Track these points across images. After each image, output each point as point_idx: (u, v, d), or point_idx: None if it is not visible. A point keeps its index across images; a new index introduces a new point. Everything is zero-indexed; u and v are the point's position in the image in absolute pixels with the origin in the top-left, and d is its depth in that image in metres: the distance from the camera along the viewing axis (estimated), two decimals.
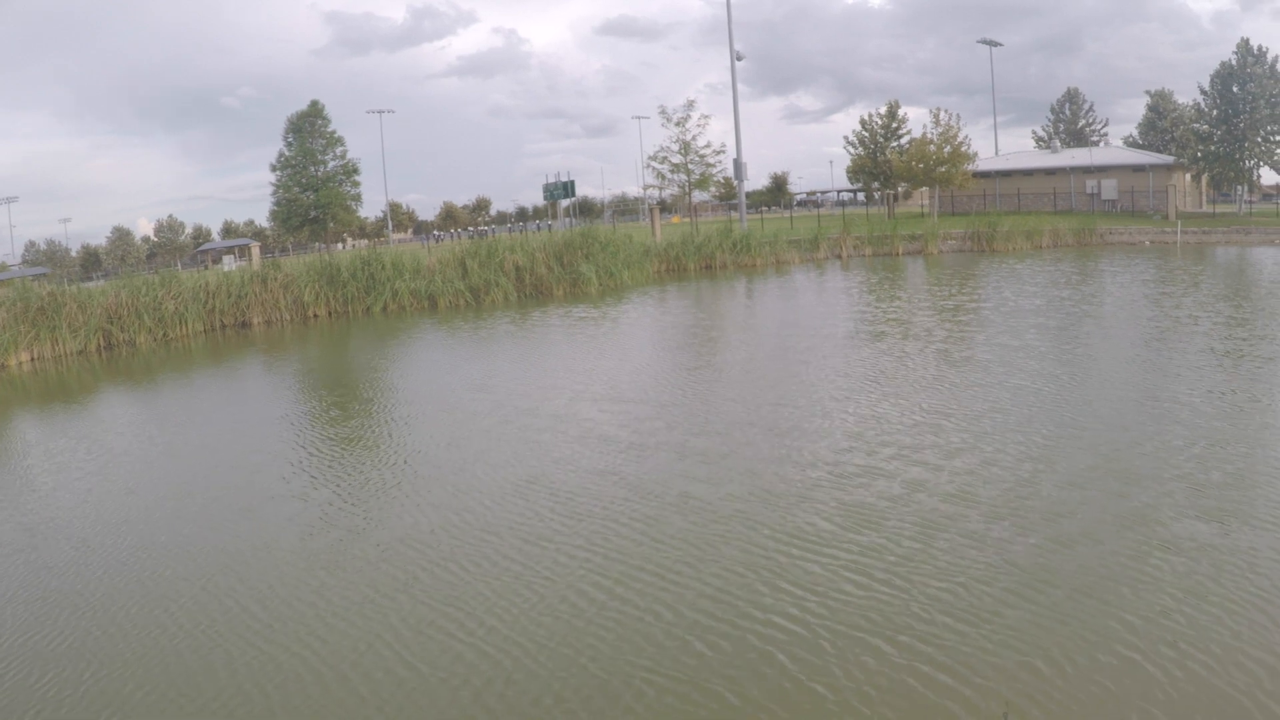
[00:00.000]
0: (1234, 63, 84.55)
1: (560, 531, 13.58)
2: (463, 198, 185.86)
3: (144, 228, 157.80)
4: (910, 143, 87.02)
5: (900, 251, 61.82)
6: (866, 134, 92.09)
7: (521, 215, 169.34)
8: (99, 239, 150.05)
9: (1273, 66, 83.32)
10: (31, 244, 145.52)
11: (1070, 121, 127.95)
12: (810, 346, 28.26)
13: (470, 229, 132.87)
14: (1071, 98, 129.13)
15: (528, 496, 15.45)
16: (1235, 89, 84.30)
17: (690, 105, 75.22)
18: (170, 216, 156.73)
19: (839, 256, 62.30)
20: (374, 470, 18.33)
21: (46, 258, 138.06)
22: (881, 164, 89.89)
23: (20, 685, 10.36)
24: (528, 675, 9.56)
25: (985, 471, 14.81)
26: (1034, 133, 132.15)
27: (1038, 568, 11.05)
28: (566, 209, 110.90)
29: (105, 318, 47.09)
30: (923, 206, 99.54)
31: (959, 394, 20.61)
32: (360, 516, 15.32)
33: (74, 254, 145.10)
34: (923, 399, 20.36)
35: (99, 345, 45.93)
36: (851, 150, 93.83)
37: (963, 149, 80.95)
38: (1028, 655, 9.13)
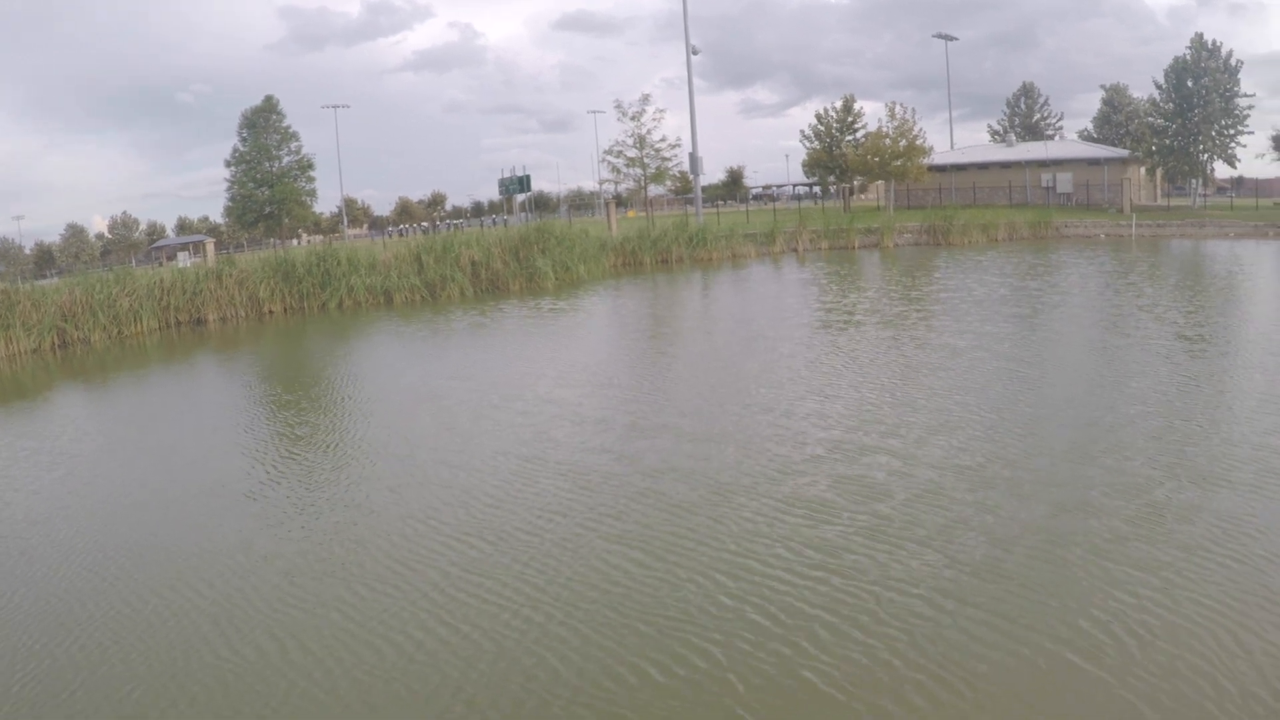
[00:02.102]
0: (1188, 57, 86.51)
1: (572, 505, 14.65)
2: (419, 193, 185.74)
3: (98, 225, 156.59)
4: (866, 137, 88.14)
5: (856, 245, 63.03)
6: (822, 128, 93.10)
7: (478, 210, 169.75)
8: (53, 236, 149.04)
9: (1226, 61, 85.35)
10: None
11: (1026, 115, 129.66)
12: (780, 335, 29.51)
13: (426, 224, 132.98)
14: (1027, 92, 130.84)
15: (530, 474, 16.57)
16: (1190, 83, 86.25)
17: (645, 99, 76.05)
18: (124, 213, 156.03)
19: (795, 250, 63.35)
20: (353, 460, 19.20)
21: None
22: (837, 158, 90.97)
23: None
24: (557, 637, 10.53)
25: (974, 445, 16.24)
26: (989, 127, 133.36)
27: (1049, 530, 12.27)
28: (523, 204, 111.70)
29: (60, 315, 47.34)
30: (878, 200, 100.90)
31: (935, 376, 22.10)
32: (351, 499, 16.19)
33: (28, 251, 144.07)
34: (902, 382, 21.82)
35: (53, 343, 46.25)
36: (808, 144, 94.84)
37: (918, 143, 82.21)
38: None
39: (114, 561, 14.09)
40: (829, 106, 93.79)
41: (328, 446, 20.64)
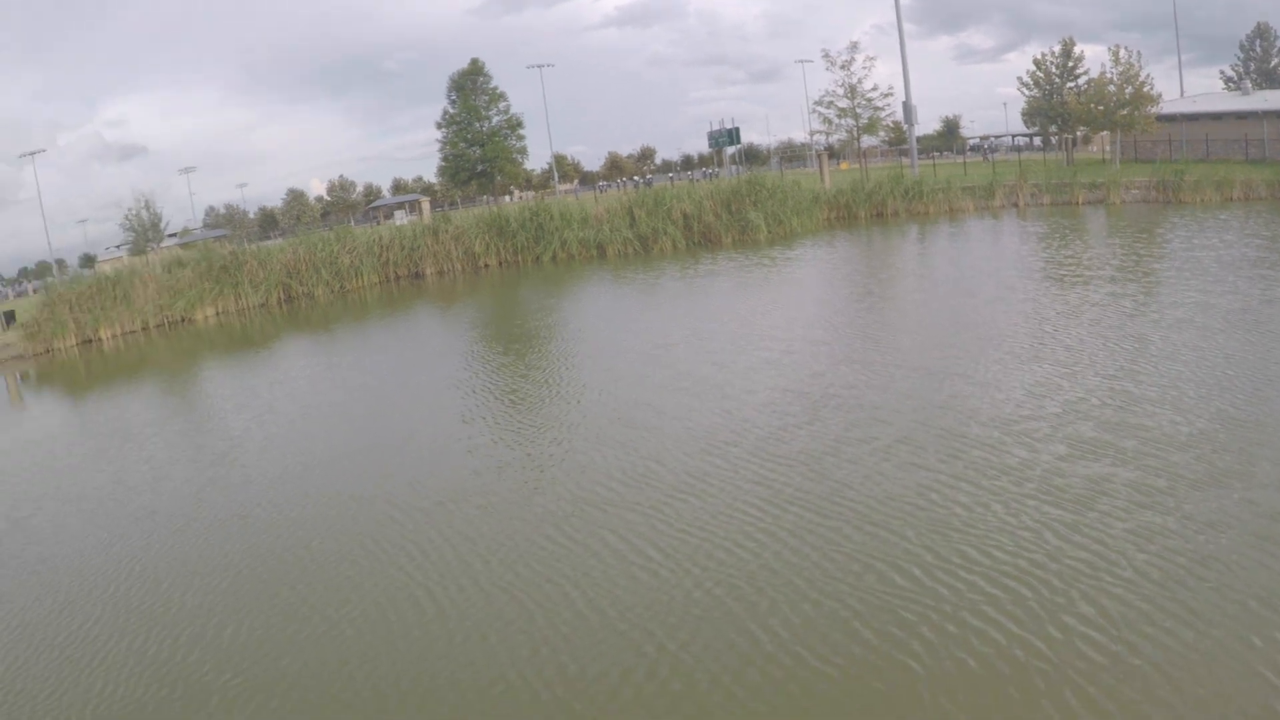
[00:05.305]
0: None
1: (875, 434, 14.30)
2: (627, 148, 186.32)
3: (316, 188, 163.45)
4: (1088, 83, 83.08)
5: (1080, 201, 59.43)
6: (1041, 74, 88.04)
7: (687, 164, 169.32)
8: (275, 201, 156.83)
9: None
10: (211, 209, 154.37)
11: (1262, 60, 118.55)
12: (1030, 291, 27.33)
13: (636, 179, 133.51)
14: (1262, 33, 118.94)
15: (805, 409, 16.30)
16: None
17: (854, 47, 73.19)
18: (341, 177, 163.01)
19: (1016, 205, 60.37)
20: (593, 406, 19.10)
21: (226, 221, 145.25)
22: (1058, 106, 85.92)
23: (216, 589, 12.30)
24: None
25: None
26: (1222, 73, 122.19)
27: None
28: (732, 157, 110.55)
29: (284, 273, 50.12)
30: (1103, 153, 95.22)
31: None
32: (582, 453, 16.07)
33: (251, 216, 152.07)
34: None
35: (279, 298, 48.82)
36: (1026, 92, 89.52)
37: (1145, 90, 76.93)
38: None
39: (342, 504, 14.86)
40: (1047, 51, 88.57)
41: (554, 395, 21.06)
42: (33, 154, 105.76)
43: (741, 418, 16.28)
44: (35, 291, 78.16)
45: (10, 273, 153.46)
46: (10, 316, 50.16)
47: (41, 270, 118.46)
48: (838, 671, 8.32)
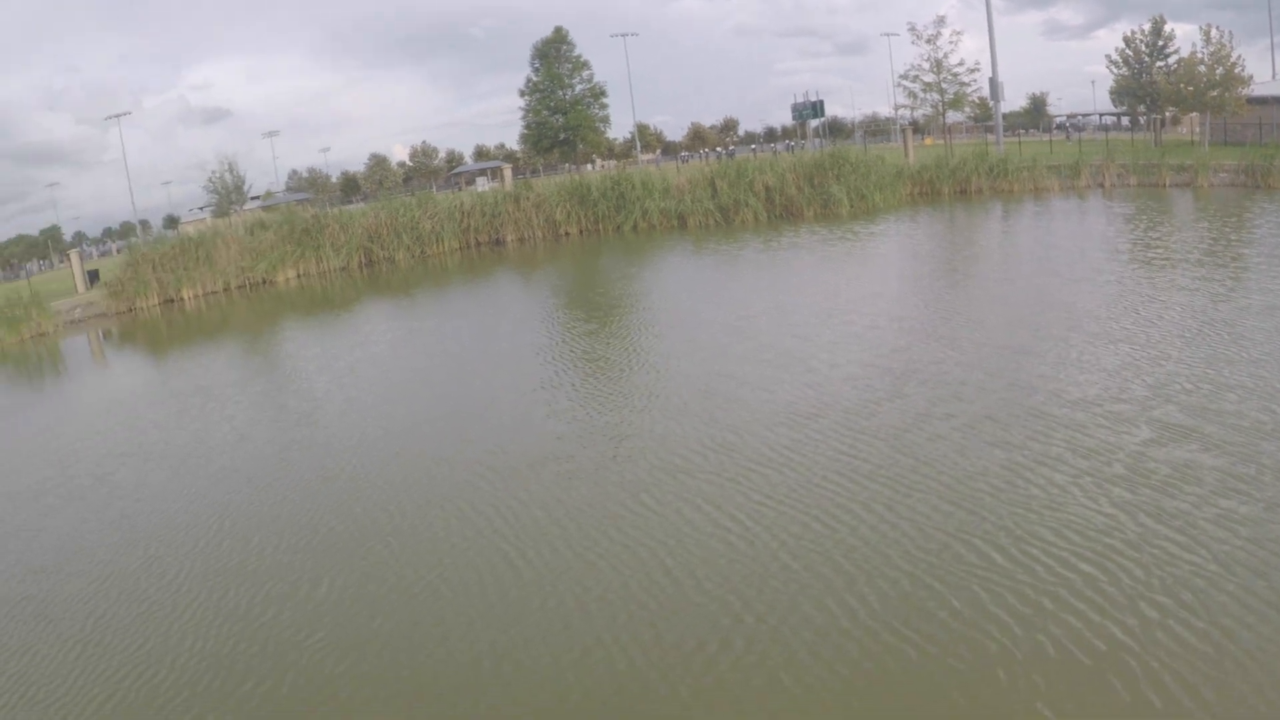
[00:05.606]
0: None
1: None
2: (710, 118, 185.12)
3: (399, 153, 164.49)
4: (1178, 63, 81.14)
5: (1167, 183, 58.14)
6: (1130, 53, 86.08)
7: (770, 136, 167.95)
8: (357, 166, 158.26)
9: None
10: (294, 172, 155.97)
11: None
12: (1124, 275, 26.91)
13: (718, 150, 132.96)
14: None
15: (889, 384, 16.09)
16: None
17: (941, 21, 72.04)
18: (424, 142, 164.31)
19: (1101, 185, 59.22)
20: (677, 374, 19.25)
21: (308, 184, 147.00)
22: (1147, 86, 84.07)
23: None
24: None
25: None
26: None
27: None
28: (816, 129, 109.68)
29: (365, 237, 50.79)
30: (1191, 134, 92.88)
31: None
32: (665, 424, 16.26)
33: (334, 180, 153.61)
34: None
35: (360, 262, 49.46)
36: (1114, 70, 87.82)
37: (1236, 71, 75.00)
38: None
39: (427, 466, 15.12)
40: (1138, 29, 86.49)
41: (636, 364, 21.03)
42: (119, 116, 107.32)
43: (825, 391, 16.10)
44: (119, 251, 79.92)
45: (95, 233, 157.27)
46: (94, 276, 51.52)
47: (126, 231, 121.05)
48: (915, 648, 8.21)
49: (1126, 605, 8.45)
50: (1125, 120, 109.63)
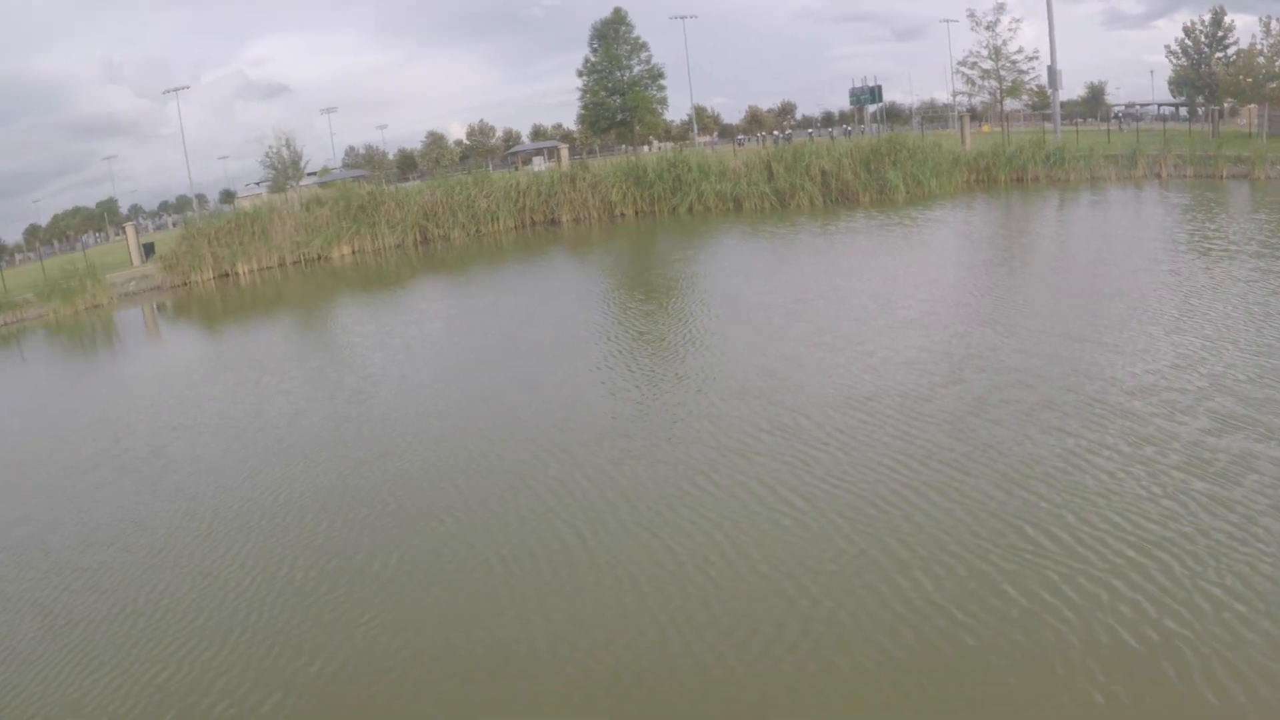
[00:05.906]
0: None
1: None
2: (767, 102, 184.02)
3: (456, 132, 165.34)
4: (1238, 54, 79.88)
5: (1224, 174, 57.16)
6: (1190, 43, 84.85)
7: (827, 120, 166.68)
8: (414, 143, 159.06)
9: None
10: (351, 149, 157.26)
11: None
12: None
13: (775, 133, 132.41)
14: None
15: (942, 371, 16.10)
16: None
17: (1001, 8, 71.47)
18: (481, 121, 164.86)
19: (1158, 175, 58.40)
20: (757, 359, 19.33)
21: (365, 161, 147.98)
22: (1205, 76, 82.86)
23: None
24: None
25: None
26: None
27: None
28: (874, 115, 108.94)
29: (421, 215, 51.28)
30: (1250, 126, 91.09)
31: None
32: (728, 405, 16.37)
33: (390, 157, 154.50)
34: None
35: (415, 239, 49.97)
36: (1174, 60, 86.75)
37: None
38: None
39: (485, 443, 15.13)
40: (1198, 19, 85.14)
41: (692, 344, 20.97)
42: (177, 90, 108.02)
43: (882, 375, 15.95)
44: (175, 225, 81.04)
45: (151, 206, 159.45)
46: (150, 249, 52.36)
47: (182, 205, 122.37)
48: (970, 633, 8.15)
49: (1182, 596, 8.33)
50: (1183, 111, 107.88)
